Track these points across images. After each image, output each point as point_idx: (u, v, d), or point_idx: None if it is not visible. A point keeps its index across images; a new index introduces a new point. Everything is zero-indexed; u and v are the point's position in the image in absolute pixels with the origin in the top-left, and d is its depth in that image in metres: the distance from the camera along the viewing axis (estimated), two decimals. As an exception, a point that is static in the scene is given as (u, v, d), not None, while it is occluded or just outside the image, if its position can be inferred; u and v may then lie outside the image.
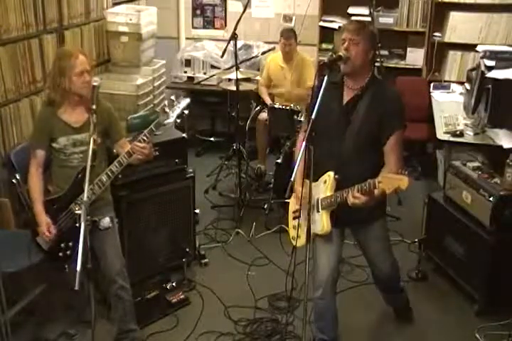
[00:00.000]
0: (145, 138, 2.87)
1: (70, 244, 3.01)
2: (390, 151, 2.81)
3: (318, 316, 3.07)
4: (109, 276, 3.04)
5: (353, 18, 5.42)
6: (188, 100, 2.90)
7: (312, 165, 2.56)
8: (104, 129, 3.08)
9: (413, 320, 3.52)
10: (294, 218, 2.99)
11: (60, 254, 3.03)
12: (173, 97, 2.85)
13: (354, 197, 2.63)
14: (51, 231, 2.96)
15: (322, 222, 2.81)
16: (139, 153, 2.90)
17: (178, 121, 2.86)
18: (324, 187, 2.83)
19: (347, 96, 2.88)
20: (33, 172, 3.05)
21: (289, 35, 5.09)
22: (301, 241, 2.82)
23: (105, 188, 3.02)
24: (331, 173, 2.80)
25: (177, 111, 2.81)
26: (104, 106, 3.11)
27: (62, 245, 3.02)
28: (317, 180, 2.84)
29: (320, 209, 2.83)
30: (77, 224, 2.54)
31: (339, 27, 5.64)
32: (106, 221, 3.02)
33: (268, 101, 5.23)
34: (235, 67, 4.67)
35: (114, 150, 3.17)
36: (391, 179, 2.49)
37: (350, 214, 2.79)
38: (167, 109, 2.82)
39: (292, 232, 3.04)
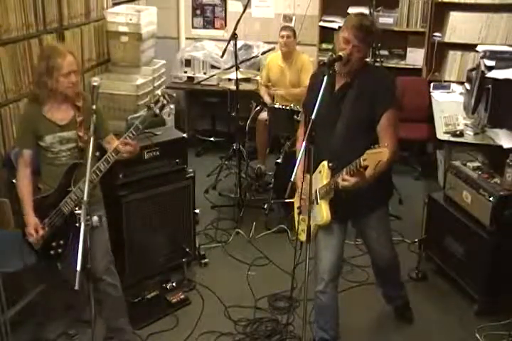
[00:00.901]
0: (131, 135, 2.86)
1: (61, 242, 2.99)
2: (384, 132, 2.77)
3: (319, 312, 3.06)
4: (97, 274, 3.02)
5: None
6: (172, 94, 2.89)
7: (312, 166, 2.56)
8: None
9: (413, 320, 3.52)
10: (298, 213, 2.99)
11: (52, 253, 3.01)
12: (157, 92, 2.84)
13: (343, 179, 2.62)
14: (39, 231, 2.92)
15: (322, 212, 2.81)
16: (125, 151, 2.89)
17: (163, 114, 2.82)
18: (320, 176, 2.83)
19: (337, 84, 2.86)
20: (21, 173, 3.03)
21: (287, 28, 5.11)
22: (304, 236, 2.80)
23: (94, 186, 3.00)
24: (325, 163, 2.81)
25: (161, 105, 2.80)
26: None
27: (53, 244, 3.00)
28: (314, 172, 2.84)
29: (319, 200, 2.83)
30: (77, 224, 2.55)
31: (339, 27, 5.63)
32: (94, 220, 2.99)
33: (268, 100, 5.22)
34: (235, 67, 4.67)
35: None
36: (373, 154, 2.46)
37: (350, 205, 2.79)
38: (151, 104, 2.81)
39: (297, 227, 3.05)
